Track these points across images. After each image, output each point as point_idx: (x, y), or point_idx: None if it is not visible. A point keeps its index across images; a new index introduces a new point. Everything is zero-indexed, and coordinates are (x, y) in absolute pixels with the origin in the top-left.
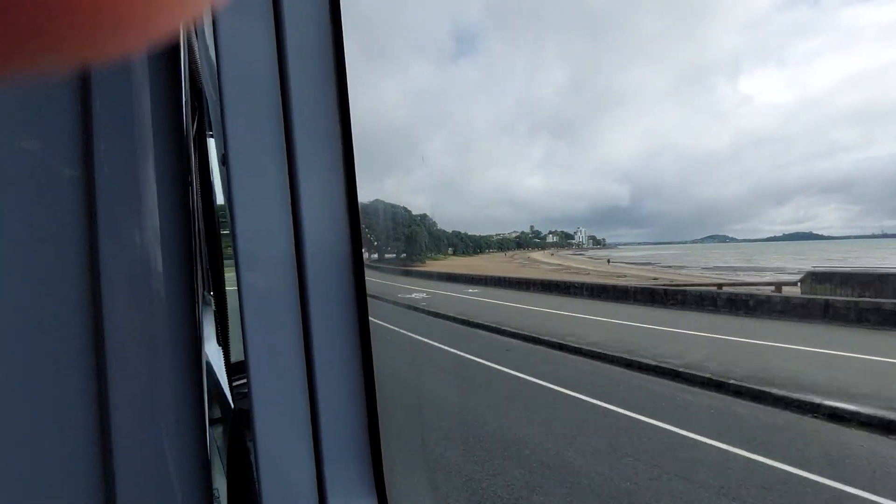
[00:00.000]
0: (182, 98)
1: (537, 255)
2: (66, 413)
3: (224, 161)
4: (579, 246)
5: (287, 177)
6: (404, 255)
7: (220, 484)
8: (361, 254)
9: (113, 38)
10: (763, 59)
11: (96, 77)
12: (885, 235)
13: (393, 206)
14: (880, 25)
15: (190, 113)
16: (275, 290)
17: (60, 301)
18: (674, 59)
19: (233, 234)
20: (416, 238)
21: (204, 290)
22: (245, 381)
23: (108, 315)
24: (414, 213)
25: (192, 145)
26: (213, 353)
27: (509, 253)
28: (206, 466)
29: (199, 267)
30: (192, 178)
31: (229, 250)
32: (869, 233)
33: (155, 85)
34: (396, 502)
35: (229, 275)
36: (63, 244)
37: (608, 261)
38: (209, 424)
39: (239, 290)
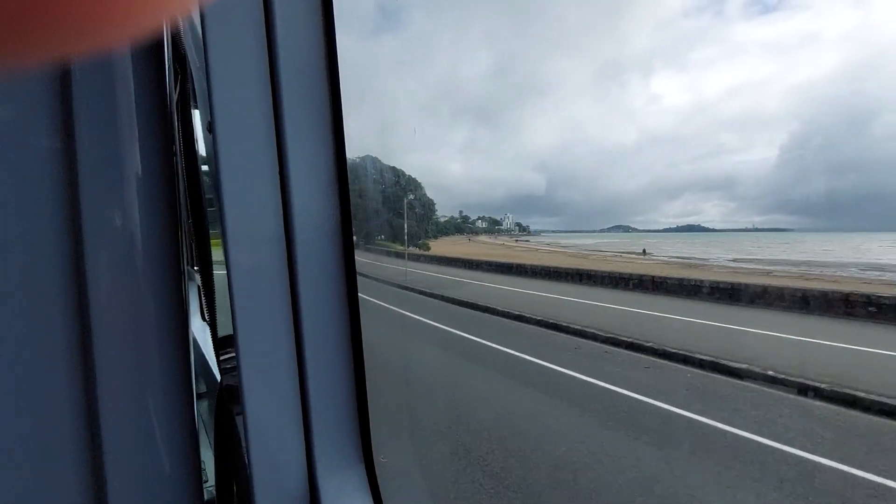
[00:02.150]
0: (165, 65)
1: (487, 239)
2: (52, 388)
3: (210, 129)
4: (509, 233)
5: (275, 147)
6: (382, 237)
7: (207, 457)
8: (351, 227)
9: (93, 6)
10: (669, 62)
11: None
12: (756, 230)
13: (390, 167)
14: (761, 43)
15: (173, 81)
16: (263, 263)
17: (43, 277)
18: (593, 53)
19: (220, 206)
20: (427, 213)
21: (189, 264)
22: (232, 355)
23: (92, 290)
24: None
25: (175, 115)
26: (197, 327)
27: (467, 237)
28: (194, 438)
29: (184, 241)
30: (175, 149)
31: (215, 224)
32: (742, 227)
33: (136, 51)
34: (384, 475)
35: (215, 249)
36: (44, 219)
37: (644, 251)
38: (196, 399)
39: (227, 265)
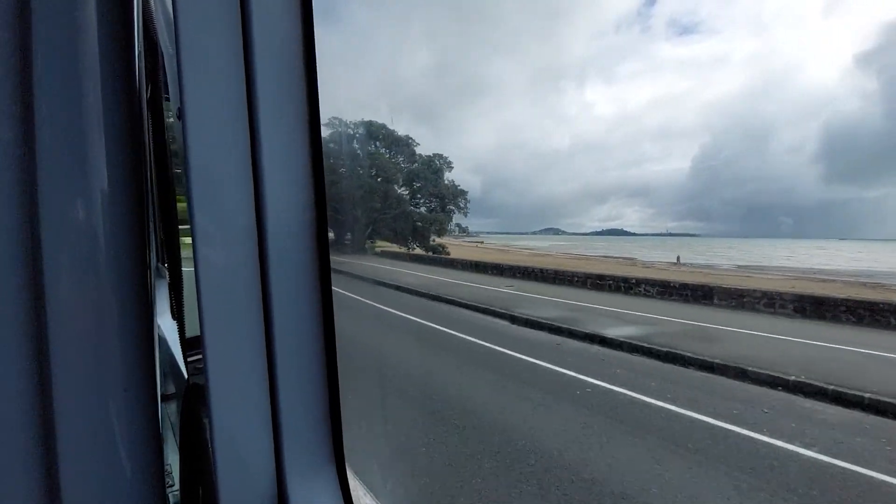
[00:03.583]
0: (135, 50)
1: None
2: (2, 388)
3: (179, 115)
4: (451, 233)
5: (248, 134)
6: (372, 237)
7: (174, 460)
8: (326, 221)
9: None
10: (600, 73)
11: (37, 25)
12: (669, 234)
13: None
14: (679, 61)
15: (144, 68)
16: (233, 258)
17: None
18: (532, 57)
19: (188, 196)
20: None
21: (158, 260)
22: (198, 357)
23: (49, 287)
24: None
25: (145, 105)
26: (167, 327)
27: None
28: (156, 441)
29: (151, 235)
30: (145, 139)
31: (186, 219)
32: (657, 231)
33: (104, 37)
34: (356, 473)
35: (185, 246)
36: None
37: (678, 259)
38: (164, 400)
39: (195, 259)
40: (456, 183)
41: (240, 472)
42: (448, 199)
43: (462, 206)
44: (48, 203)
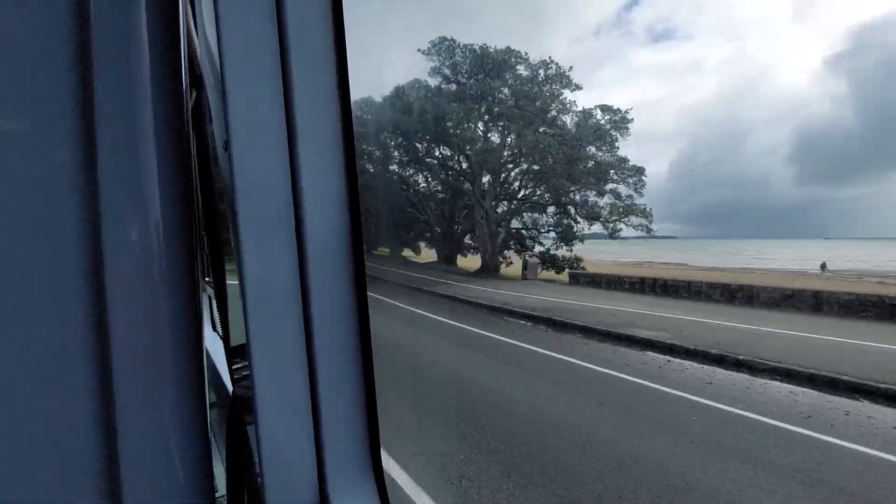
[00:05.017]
0: (182, 83)
1: None
2: (69, 393)
3: (226, 147)
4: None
5: (289, 160)
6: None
7: (216, 466)
8: (361, 241)
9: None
10: (582, 76)
11: (98, 60)
12: (652, 237)
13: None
14: (656, 66)
15: (189, 97)
16: (276, 276)
17: (64, 284)
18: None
19: (234, 220)
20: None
21: (204, 276)
22: (243, 366)
23: (110, 299)
24: None
25: (191, 129)
26: (207, 338)
27: None
28: (206, 448)
29: (199, 252)
30: (191, 163)
31: (228, 236)
32: (640, 234)
33: (155, 66)
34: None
35: (228, 261)
36: (66, 228)
37: (823, 266)
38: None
39: (240, 277)
40: (625, 156)
41: (284, 479)
42: (616, 180)
43: (635, 190)
44: (109, 221)
